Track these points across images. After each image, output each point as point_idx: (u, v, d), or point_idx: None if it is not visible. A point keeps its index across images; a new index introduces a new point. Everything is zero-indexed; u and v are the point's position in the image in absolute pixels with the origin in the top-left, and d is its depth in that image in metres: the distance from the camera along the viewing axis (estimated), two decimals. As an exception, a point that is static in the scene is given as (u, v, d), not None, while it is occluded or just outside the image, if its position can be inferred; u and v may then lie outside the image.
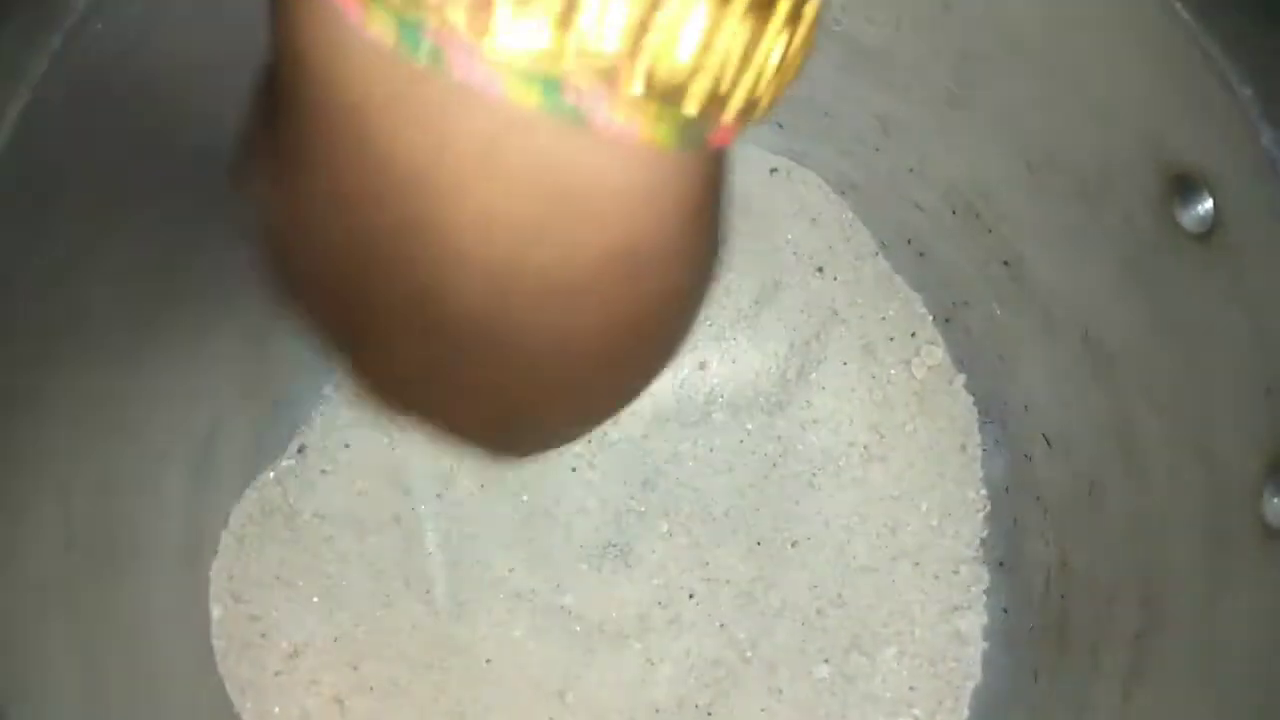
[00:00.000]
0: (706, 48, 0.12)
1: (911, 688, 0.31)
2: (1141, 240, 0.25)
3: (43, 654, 0.21)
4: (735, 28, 0.12)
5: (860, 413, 0.33)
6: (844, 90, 0.30)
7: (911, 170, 0.31)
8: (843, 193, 0.33)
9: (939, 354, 0.33)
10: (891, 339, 0.33)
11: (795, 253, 0.34)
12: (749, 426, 0.33)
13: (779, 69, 0.13)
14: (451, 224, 0.13)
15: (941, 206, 0.31)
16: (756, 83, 0.12)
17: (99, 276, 0.25)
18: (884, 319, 0.34)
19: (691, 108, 0.12)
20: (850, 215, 0.34)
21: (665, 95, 0.12)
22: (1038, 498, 0.31)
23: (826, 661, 0.31)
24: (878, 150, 0.32)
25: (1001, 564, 0.32)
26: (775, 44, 0.12)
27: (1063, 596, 0.30)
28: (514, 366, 0.14)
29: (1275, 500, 0.22)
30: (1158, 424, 0.26)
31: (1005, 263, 0.30)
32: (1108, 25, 0.23)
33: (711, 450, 0.33)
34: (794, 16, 0.12)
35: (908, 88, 0.29)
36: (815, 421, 0.33)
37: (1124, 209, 0.25)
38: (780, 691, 0.31)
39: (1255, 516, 0.22)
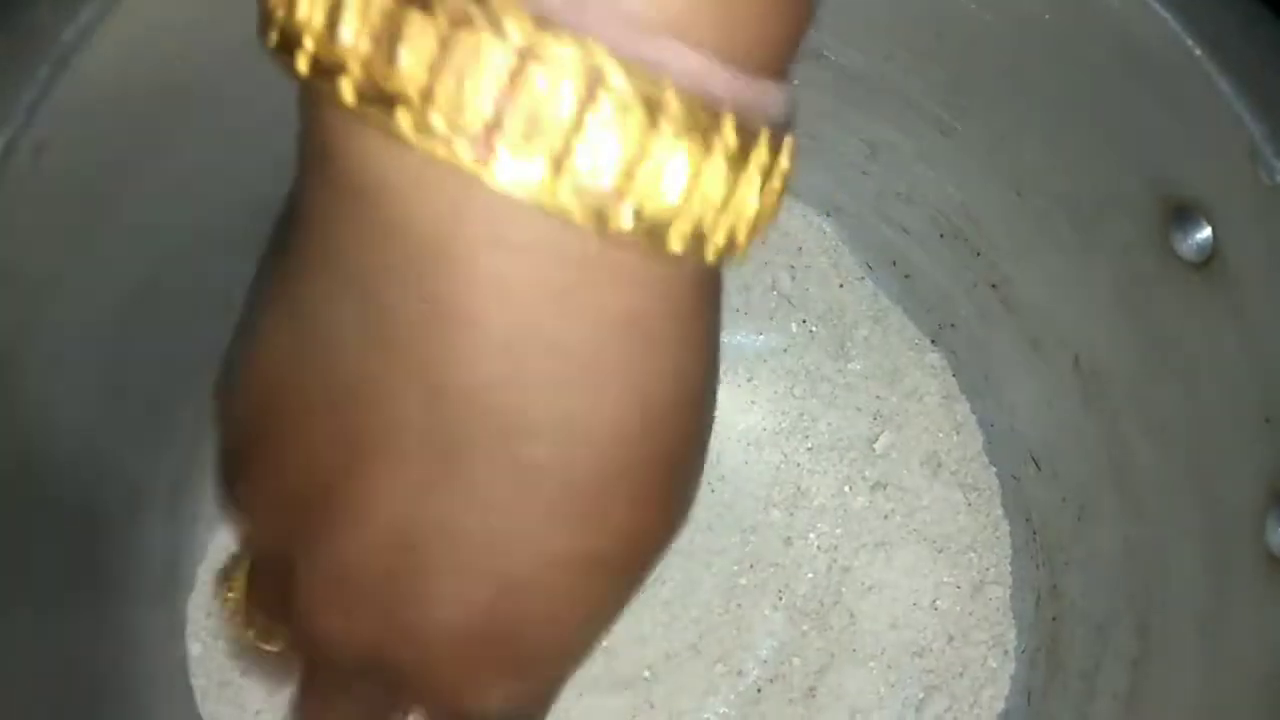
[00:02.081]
0: (690, 191, 0.13)
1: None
2: (1136, 268, 0.25)
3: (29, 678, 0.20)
4: (716, 175, 0.13)
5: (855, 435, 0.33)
6: (832, 116, 0.30)
7: (899, 194, 0.31)
8: (828, 214, 0.33)
9: (938, 380, 0.33)
10: (886, 364, 0.33)
11: (780, 280, 0.34)
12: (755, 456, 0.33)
13: (756, 214, 0.14)
14: (464, 292, 0.13)
15: (929, 230, 0.31)
16: (735, 225, 0.13)
17: (69, 309, 0.24)
18: (872, 343, 0.34)
19: (676, 245, 0.13)
20: (835, 240, 0.34)
21: (651, 232, 0.13)
22: (1027, 519, 0.31)
23: (819, 671, 0.31)
24: (865, 174, 0.32)
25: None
26: (751, 192, 0.13)
27: (1054, 619, 0.30)
28: (521, 486, 0.14)
29: (1279, 529, 0.22)
30: (1151, 450, 0.26)
31: (993, 286, 0.31)
32: (1107, 54, 0.23)
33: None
34: (769, 168, 0.14)
35: (898, 115, 0.29)
36: (810, 449, 0.33)
37: (1119, 236, 0.25)
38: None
39: (1258, 544, 0.22)
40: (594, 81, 0.12)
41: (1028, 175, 0.27)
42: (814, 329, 0.34)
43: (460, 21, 0.12)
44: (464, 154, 0.12)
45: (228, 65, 0.23)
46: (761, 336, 0.34)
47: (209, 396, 0.30)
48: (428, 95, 0.12)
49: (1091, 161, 0.25)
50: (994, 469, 0.32)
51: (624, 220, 0.13)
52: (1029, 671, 0.30)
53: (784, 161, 0.14)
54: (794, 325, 0.34)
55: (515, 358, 0.13)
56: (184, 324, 0.28)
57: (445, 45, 0.12)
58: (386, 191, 0.13)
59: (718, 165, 0.13)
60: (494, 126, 0.12)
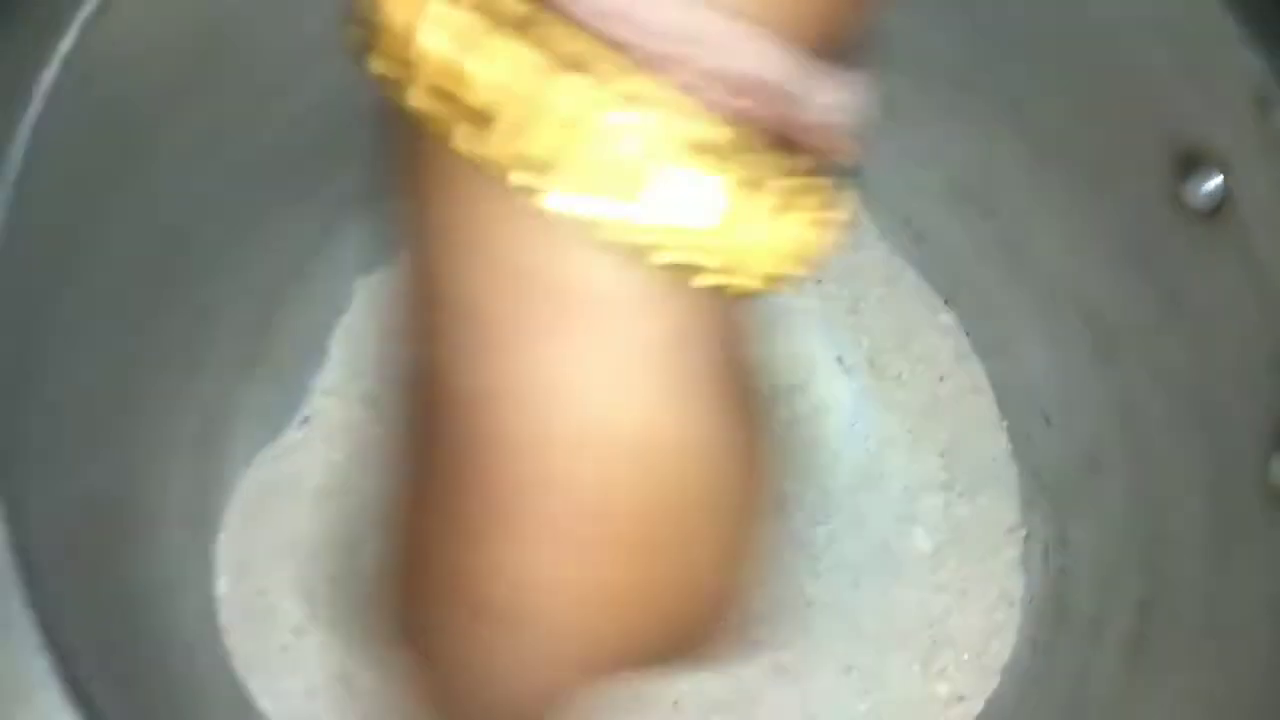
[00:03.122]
0: (729, 234, 0.12)
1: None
2: (1147, 219, 0.25)
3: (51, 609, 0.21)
4: (762, 221, 0.12)
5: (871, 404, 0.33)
6: (850, 73, 0.31)
7: (913, 153, 0.32)
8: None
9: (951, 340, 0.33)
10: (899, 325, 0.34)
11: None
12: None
13: (798, 258, 0.13)
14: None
15: (944, 190, 0.32)
16: (778, 265, 0.13)
17: (103, 246, 0.25)
18: (886, 303, 0.34)
19: (709, 279, 0.12)
20: (851, 204, 0.34)
21: (684, 270, 0.12)
22: (1036, 474, 0.32)
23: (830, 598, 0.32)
24: (880, 133, 0.32)
25: (1001, 539, 0.32)
26: (801, 235, 0.13)
27: (1061, 570, 0.31)
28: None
29: (1282, 466, 0.22)
30: (1161, 399, 0.27)
31: (1007, 245, 0.31)
32: (1120, 6, 0.23)
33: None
34: (820, 216, 0.13)
35: (914, 70, 0.30)
36: (824, 409, 0.33)
37: (1132, 191, 0.25)
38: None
39: (1261, 484, 0.23)
40: (668, 129, 0.11)
41: (1042, 130, 0.27)
42: (829, 289, 0.35)
43: (563, 62, 0.11)
44: (527, 180, 0.12)
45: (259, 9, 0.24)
46: (776, 296, 0.34)
47: (238, 340, 0.31)
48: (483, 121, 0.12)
49: (1104, 114, 0.25)
50: (1005, 424, 0.33)
51: (663, 256, 0.12)
52: (1036, 622, 0.31)
53: (837, 211, 0.13)
54: (809, 285, 0.35)
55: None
56: (215, 269, 0.29)
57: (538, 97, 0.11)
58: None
59: (763, 209, 0.12)
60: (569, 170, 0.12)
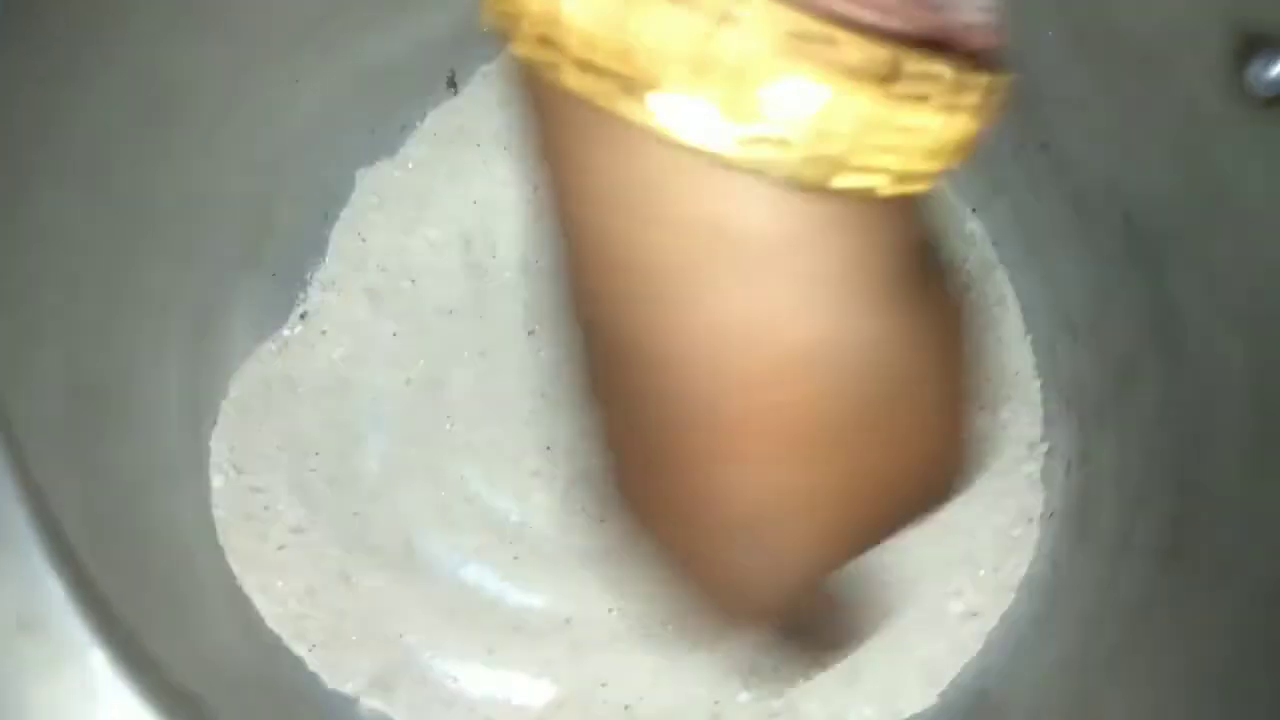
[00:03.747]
0: (868, 132, 0.12)
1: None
2: (1202, 112, 0.24)
3: (47, 499, 0.20)
4: (869, 109, 0.12)
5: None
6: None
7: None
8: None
9: (976, 250, 0.32)
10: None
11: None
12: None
13: (937, 151, 0.13)
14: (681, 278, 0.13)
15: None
16: (910, 159, 0.12)
17: (85, 117, 0.23)
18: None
19: (828, 178, 0.12)
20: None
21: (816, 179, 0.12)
22: (1060, 388, 0.31)
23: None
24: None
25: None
26: (930, 124, 0.12)
27: (1083, 485, 0.30)
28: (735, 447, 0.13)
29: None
30: (1202, 302, 0.25)
31: (1044, 146, 0.30)
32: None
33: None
34: (960, 104, 0.12)
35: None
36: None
37: (1186, 80, 0.24)
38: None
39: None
40: (789, 37, 0.11)
41: (1091, 15, 0.26)
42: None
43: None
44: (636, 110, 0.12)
45: None
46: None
47: (236, 231, 0.29)
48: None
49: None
50: (1030, 338, 0.32)
51: (790, 157, 0.12)
52: (1055, 539, 0.30)
53: (981, 94, 0.13)
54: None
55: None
56: (209, 147, 0.27)
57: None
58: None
59: (874, 101, 0.12)
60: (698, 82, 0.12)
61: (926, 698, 0.29)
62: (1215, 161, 0.24)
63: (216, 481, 0.28)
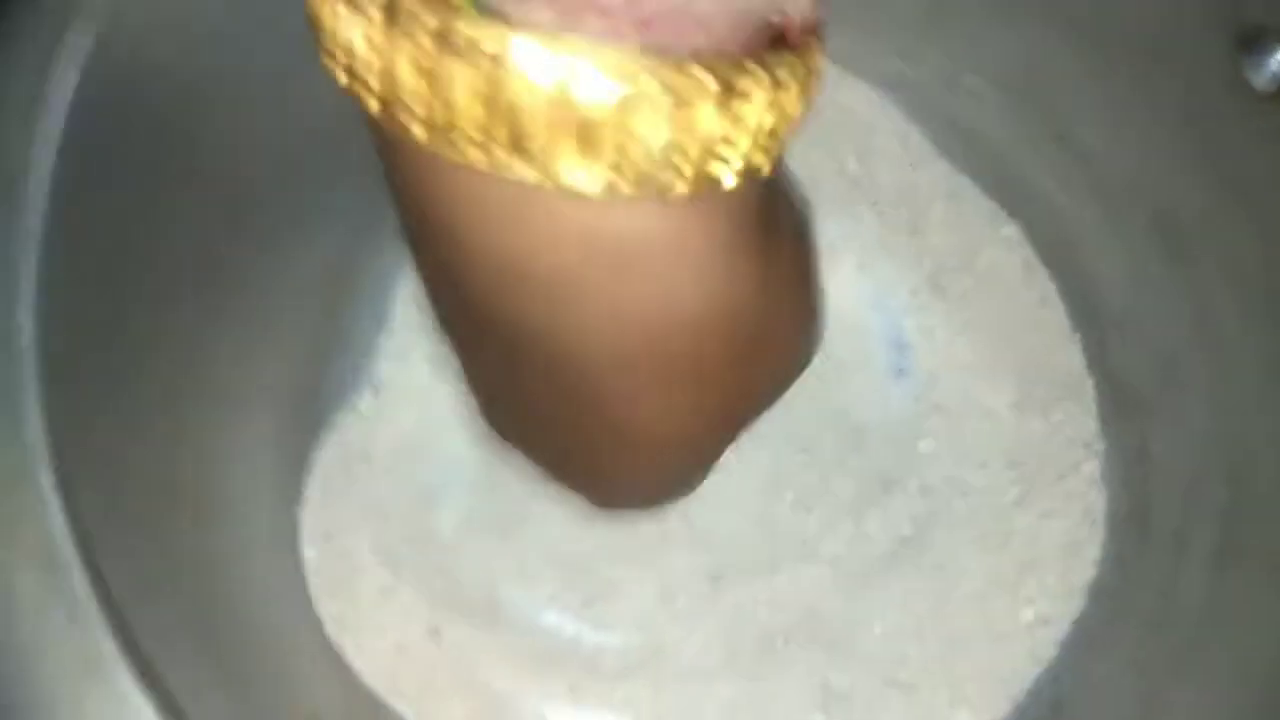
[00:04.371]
0: (676, 143, 0.13)
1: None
2: (1208, 106, 0.24)
3: (147, 591, 0.22)
4: (699, 122, 0.13)
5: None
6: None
7: (960, 58, 0.30)
8: (891, 88, 0.32)
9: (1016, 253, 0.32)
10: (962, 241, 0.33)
11: (847, 163, 0.34)
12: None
13: (765, 146, 0.13)
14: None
15: (996, 93, 0.30)
16: (746, 160, 0.13)
17: (169, 224, 0.26)
18: (947, 220, 0.33)
19: (681, 188, 0.13)
20: (902, 115, 0.33)
21: (700, 179, 0.13)
22: (1113, 385, 0.31)
23: (903, 542, 0.31)
24: (927, 42, 0.31)
25: (1079, 455, 0.31)
26: (748, 127, 0.13)
27: (1143, 482, 0.29)
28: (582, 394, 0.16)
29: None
30: (1235, 298, 0.25)
31: (1066, 145, 0.30)
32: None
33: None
34: (776, 85, 0.13)
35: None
36: (891, 337, 0.33)
37: (1188, 75, 0.24)
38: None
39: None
40: (623, 79, 0.12)
41: (1090, 20, 0.26)
42: (885, 211, 0.34)
43: (495, 66, 0.12)
44: (467, 153, 0.13)
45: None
46: (832, 223, 0.34)
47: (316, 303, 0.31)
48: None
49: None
50: (1078, 336, 0.32)
51: (624, 190, 0.13)
52: (1119, 539, 0.30)
53: (797, 73, 0.13)
54: (864, 209, 0.34)
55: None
56: (276, 246, 0.29)
57: (489, 84, 0.12)
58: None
59: (703, 114, 0.13)
60: (485, 132, 0.12)
61: (999, 709, 0.29)
62: (1230, 155, 0.24)
63: (309, 553, 0.31)
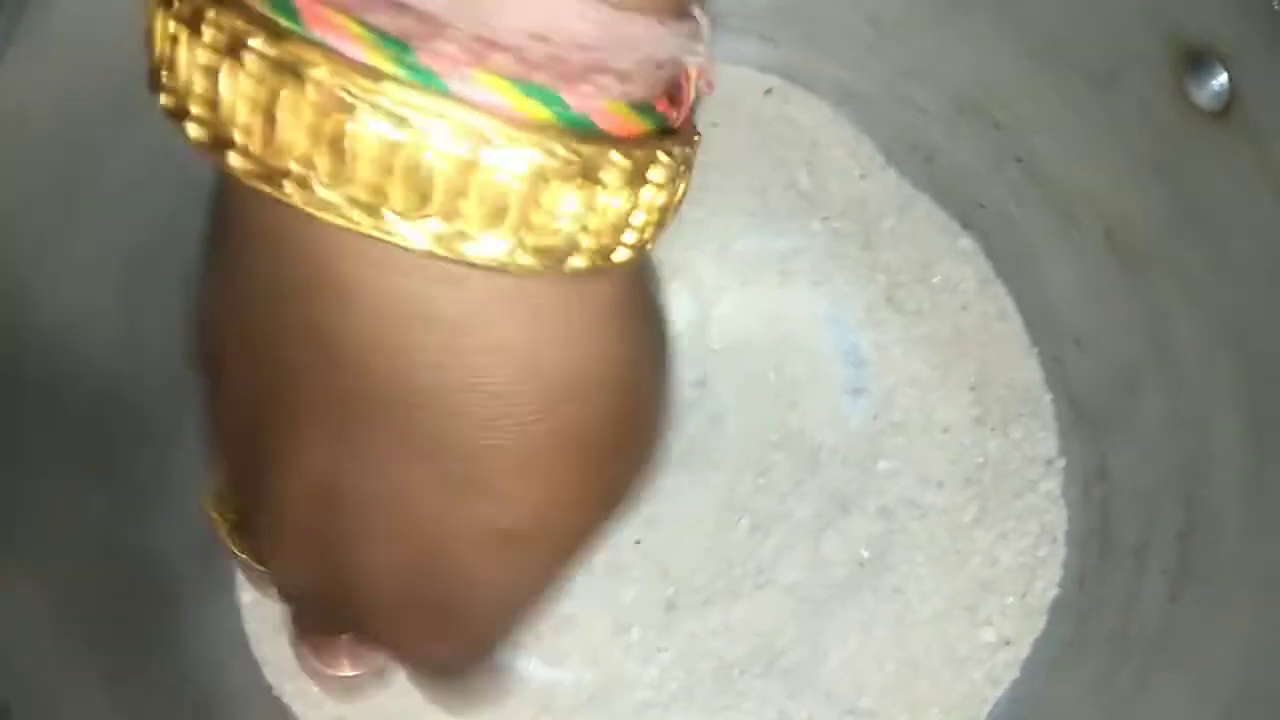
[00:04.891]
0: (585, 221, 0.13)
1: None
2: (1157, 124, 0.23)
3: (70, 647, 0.21)
4: (611, 202, 0.13)
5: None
6: (831, -6, 0.29)
7: (912, 72, 0.30)
8: (840, 102, 0.32)
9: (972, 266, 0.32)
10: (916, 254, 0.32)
11: (797, 177, 0.33)
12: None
13: (658, 223, 0.13)
14: (342, 259, 0.13)
15: (946, 107, 0.30)
16: (641, 233, 0.13)
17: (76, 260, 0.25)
18: (900, 233, 0.32)
19: (577, 265, 0.13)
20: (851, 129, 0.32)
21: (550, 259, 0.13)
22: (1072, 402, 0.30)
23: (861, 566, 0.31)
24: (873, 54, 0.30)
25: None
26: (650, 206, 0.13)
27: (1103, 500, 0.29)
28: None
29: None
30: (1189, 313, 0.25)
31: (1019, 159, 0.29)
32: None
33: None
34: (673, 175, 0.13)
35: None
36: (844, 351, 0.32)
37: (1136, 93, 0.23)
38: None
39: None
40: (474, 142, 0.12)
41: (1039, 35, 0.25)
42: (836, 225, 0.33)
43: (330, 101, 0.12)
44: (358, 220, 0.12)
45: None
46: (783, 239, 0.33)
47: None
48: (310, 168, 0.12)
49: (1101, 14, 0.23)
50: (1035, 351, 0.31)
51: (523, 261, 0.13)
52: (1080, 556, 0.29)
53: (673, 174, 0.13)
54: (815, 224, 0.33)
55: (393, 329, 0.13)
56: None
57: (318, 118, 0.12)
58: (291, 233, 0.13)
59: (612, 194, 0.13)
60: (380, 196, 0.12)
61: (962, 735, 0.29)
62: (1179, 172, 0.24)
63: (245, 597, 0.29)
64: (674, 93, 0.13)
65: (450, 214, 0.12)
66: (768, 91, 0.33)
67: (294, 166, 0.12)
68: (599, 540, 0.16)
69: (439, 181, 0.12)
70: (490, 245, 0.12)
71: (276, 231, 0.13)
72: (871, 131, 0.32)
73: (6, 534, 0.21)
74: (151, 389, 0.27)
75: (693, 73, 0.14)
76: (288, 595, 0.18)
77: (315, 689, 0.29)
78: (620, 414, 0.15)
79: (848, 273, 0.33)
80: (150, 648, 0.25)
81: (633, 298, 0.15)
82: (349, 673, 0.20)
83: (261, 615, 0.29)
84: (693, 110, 0.14)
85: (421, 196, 0.12)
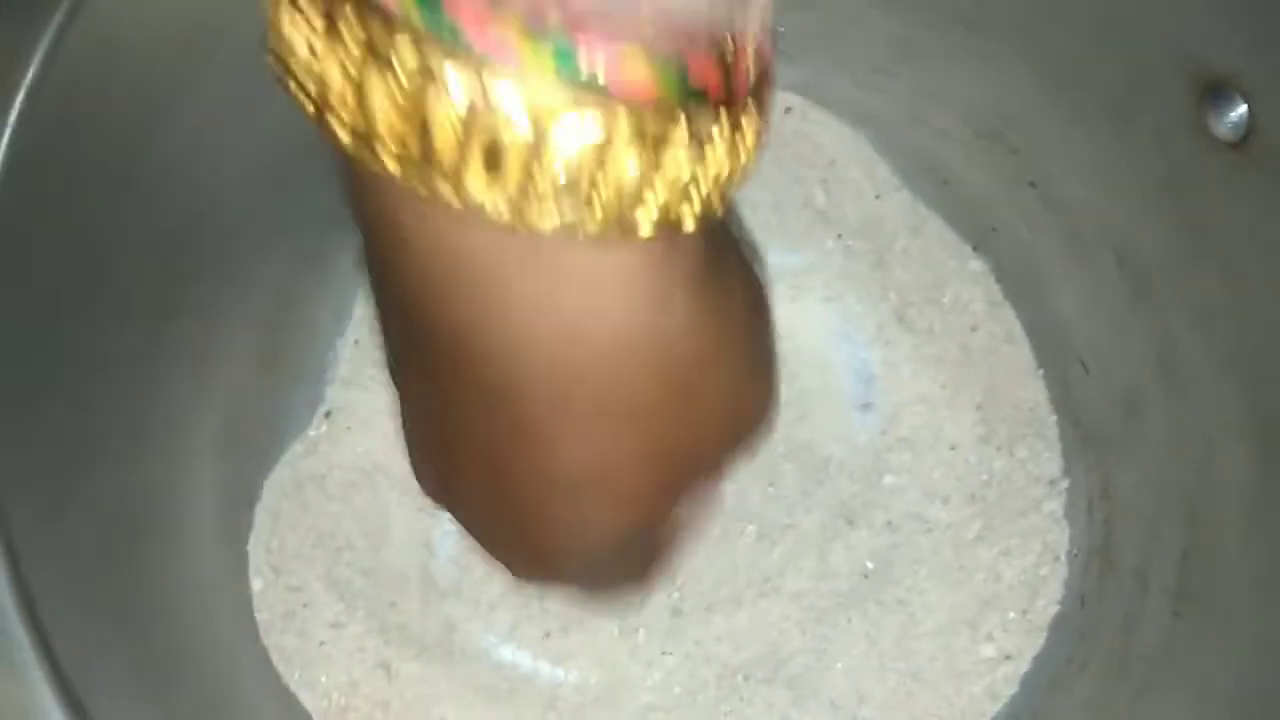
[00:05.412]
0: (650, 183, 0.13)
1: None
2: (1173, 153, 0.24)
3: (85, 633, 0.21)
4: (676, 161, 0.13)
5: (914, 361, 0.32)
6: (856, 16, 0.29)
7: (931, 96, 0.30)
8: (859, 123, 0.32)
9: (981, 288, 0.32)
10: (928, 275, 0.33)
11: (813, 195, 0.33)
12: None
13: (729, 175, 0.14)
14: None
15: (964, 131, 0.30)
16: (709, 195, 0.14)
17: (110, 254, 0.25)
18: (912, 254, 0.33)
19: (646, 231, 0.13)
20: (868, 149, 0.33)
21: (621, 224, 0.13)
22: (1076, 423, 0.31)
23: (865, 577, 0.31)
24: (894, 78, 0.31)
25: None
26: (717, 161, 0.13)
27: (1105, 520, 0.30)
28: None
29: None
30: (1197, 338, 0.25)
31: (1032, 184, 0.30)
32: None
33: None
34: (735, 129, 0.13)
35: (923, 9, 0.28)
36: (856, 369, 0.32)
37: (1154, 122, 0.24)
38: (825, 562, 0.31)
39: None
40: (541, 116, 0.12)
41: (1059, 64, 0.26)
42: (850, 244, 0.33)
43: (420, 75, 0.12)
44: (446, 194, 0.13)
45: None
46: (797, 255, 0.33)
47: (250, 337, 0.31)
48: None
49: (1120, 44, 0.24)
50: (1042, 373, 0.32)
51: (589, 227, 0.13)
52: (1082, 575, 0.30)
53: (751, 118, 0.14)
54: (830, 241, 0.34)
55: (461, 283, 0.14)
56: (225, 262, 0.28)
57: (412, 103, 0.12)
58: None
59: (675, 154, 0.13)
60: (461, 165, 0.12)
61: (961, 747, 0.29)
62: (1193, 200, 0.24)
63: (256, 585, 0.30)
64: (723, 58, 0.13)
65: (518, 182, 0.12)
66: (787, 110, 0.33)
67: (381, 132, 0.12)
68: (703, 495, 0.17)
69: (508, 149, 0.12)
70: (554, 211, 0.13)
71: (364, 189, 0.14)
72: (888, 152, 0.33)
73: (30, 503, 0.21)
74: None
75: (749, 46, 0.14)
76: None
77: (322, 678, 0.29)
78: (685, 385, 0.15)
79: (860, 290, 0.33)
80: (163, 632, 0.26)
81: (707, 268, 0.15)
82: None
83: (270, 604, 0.30)
84: (762, 83, 0.14)
85: (490, 163, 0.12)
